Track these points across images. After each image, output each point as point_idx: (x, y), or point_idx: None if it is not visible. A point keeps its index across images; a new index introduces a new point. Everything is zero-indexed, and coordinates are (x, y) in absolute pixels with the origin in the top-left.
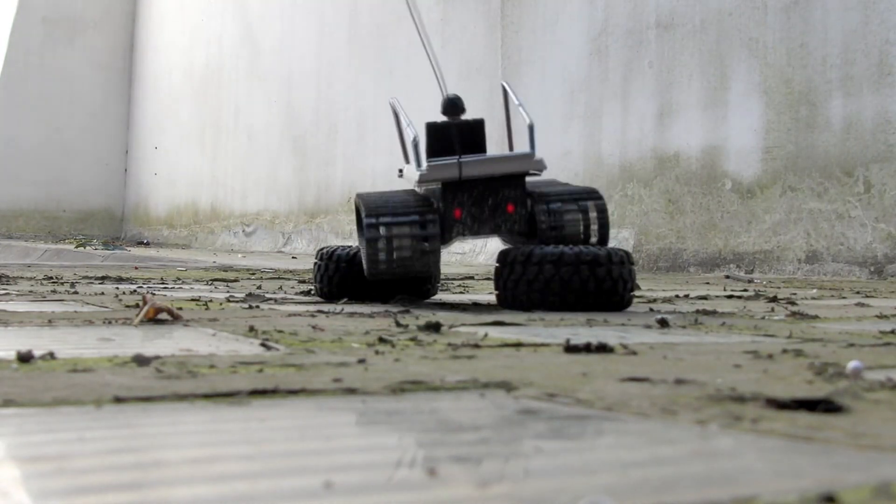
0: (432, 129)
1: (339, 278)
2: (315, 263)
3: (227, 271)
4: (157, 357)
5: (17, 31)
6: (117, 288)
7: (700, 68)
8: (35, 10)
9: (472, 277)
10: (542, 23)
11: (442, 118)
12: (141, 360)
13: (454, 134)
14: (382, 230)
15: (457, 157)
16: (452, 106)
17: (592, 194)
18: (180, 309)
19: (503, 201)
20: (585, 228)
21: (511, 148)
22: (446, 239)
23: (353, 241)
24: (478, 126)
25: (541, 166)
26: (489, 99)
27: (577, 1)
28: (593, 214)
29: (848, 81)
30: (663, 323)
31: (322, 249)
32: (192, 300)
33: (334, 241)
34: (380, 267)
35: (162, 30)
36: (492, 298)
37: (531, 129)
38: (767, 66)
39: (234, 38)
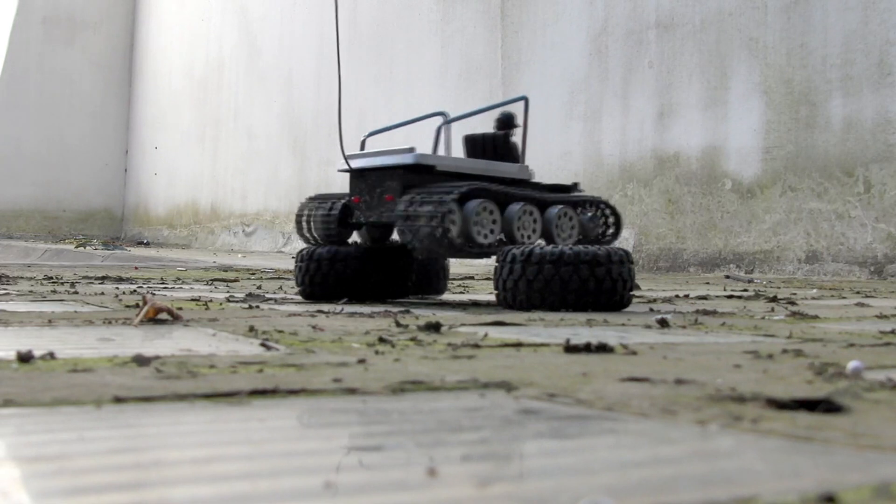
0: (468, 139)
1: (320, 278)
2: (296, 265)
3: (227, 271)
4: (157, 357)
5: (17, 31)
6: (117, 288)
7: (700, 68)
8: (35, 10)
9: (472, 277)
10: (542, 23)
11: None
12: (141, 361)
13: (480, 144)
14: (304, 215)
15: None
16: (508, 119)
17: (448, 193)
18: (180, 309)
19: (386, 191)
20: (441, 223)
21: (523, 157)
22: (351, 221)
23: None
24: (498, 138)
25: (420, 160)
26: (489, 99)
27: (577, 1)
28: (444, 209)
29: (848, 81)
30: (663, 323)
31: (302, 251)
32: (192, 300)
33: None
34: (304, 235)
35: (162, 30)
36: (492, 298)
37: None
38: (767, 66)
39: (234, 38)
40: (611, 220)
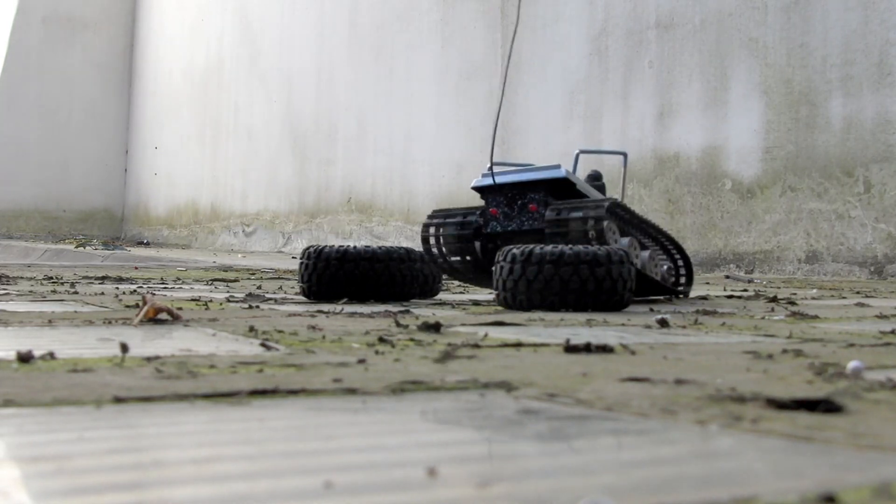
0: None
1: (329, 277)
2: (301, 262)
3: (227, 271)
4: (157, 357)
5: (17, 31)
6: (117, 288)
7: (700, 68)
8: (35, 10)
9: None
10: (542, 23)
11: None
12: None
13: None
14: (433, 230)
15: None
16: (596, 175)
17: (597, 205)
18: (180, 309)
19: (529, 202)
20: (586, 233)
21: (623, 194)
22: (486, 231)
23: (353, 241)
24: (596, 176)
25: (568, 176)
26: (489, 98)
27: (577, 1)
28: (594, 214)
29: (848, 81)
30: (663, 323)
31: (308, 248)
32: (192, 300)
33: (334, 241)
34: (431, 250)
35: (162, 30)
36: (492, 298)
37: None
38: (767, 66)
39: (234, 37)
40: (682, 268)
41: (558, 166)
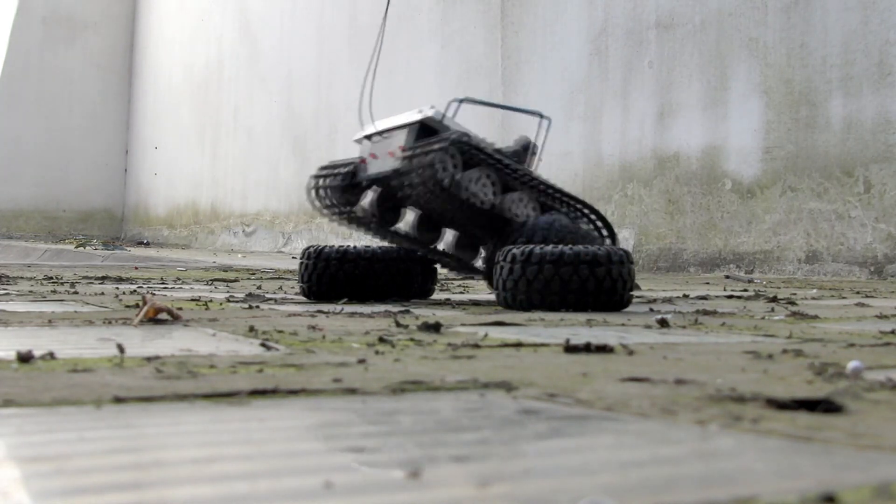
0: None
1: (329, 277)
2: (301, 262)
3: (227, 271)
4: (157, 357)
5: (17, 31)
6: (117, 288)
7: (700, 68)
8: (35, 10)
9: (472, 277)
10: (542, 23)
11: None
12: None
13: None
14: (317, 183)
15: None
16: (528, 146)
17: (444, 139)
18: (180, 309)
19: (392, 148)
20: (435, 165)
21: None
22: (356, 181)
23: (352, 242)
24: (518, 152)
25: (428, 121)
26: (489, 97)
27: (577, 1)
28: (441, 154)
29: (848, 81)
30: (663, 323)
31: (308, 248)
32: (192, 300)
33: (334, 241)
34: (318, 203)
35: (161, 30)
36: (492, 298)
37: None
38: (767, 66)
39: (234, 38)
40: (604, 231)
41: (422, 110)
